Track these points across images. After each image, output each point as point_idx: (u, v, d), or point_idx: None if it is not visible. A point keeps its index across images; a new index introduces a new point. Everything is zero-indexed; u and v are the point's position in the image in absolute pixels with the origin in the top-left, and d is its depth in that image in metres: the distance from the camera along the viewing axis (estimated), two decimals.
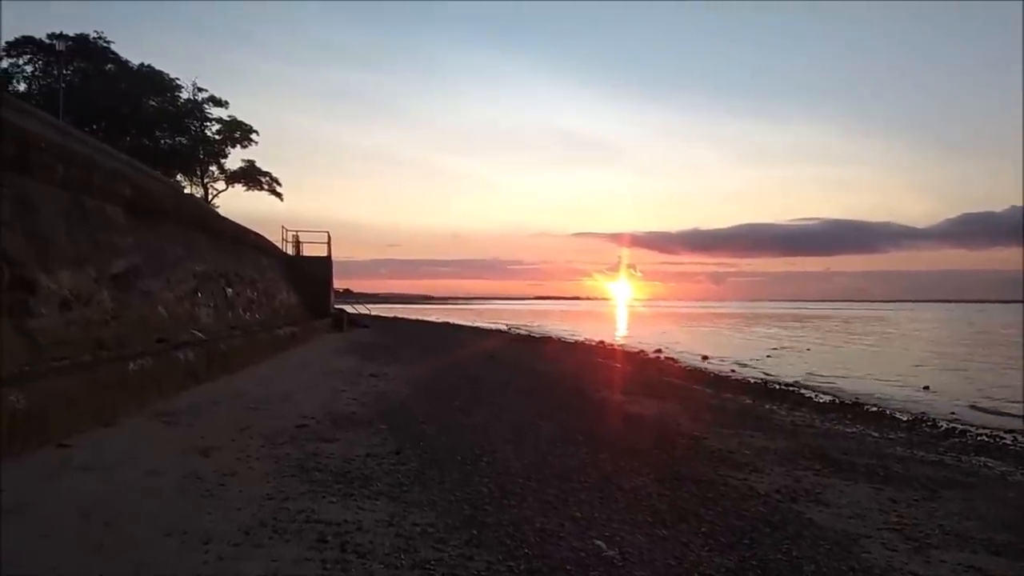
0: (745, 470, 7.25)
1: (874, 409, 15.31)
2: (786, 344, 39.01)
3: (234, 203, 72.51)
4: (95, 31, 43.77)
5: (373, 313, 50.38)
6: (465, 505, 5.25)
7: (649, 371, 21.50)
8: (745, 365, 25.42)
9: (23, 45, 41.94)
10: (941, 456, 9.59)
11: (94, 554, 3.84)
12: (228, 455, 6.30)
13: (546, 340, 37.85)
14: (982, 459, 9.70)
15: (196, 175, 50.33)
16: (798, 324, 72.88)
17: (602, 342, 36.97)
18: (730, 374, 22.15)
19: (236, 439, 6.99)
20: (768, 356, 29.78)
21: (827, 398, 17.23)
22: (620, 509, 5.42)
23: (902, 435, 11.76)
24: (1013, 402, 16.90)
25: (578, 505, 5.44)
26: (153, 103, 45.33)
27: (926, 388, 19.64)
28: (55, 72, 40.72)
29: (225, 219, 21.34)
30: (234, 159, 51.68)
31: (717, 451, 8.17)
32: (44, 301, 7.79)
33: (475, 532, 4.64)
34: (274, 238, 29.67)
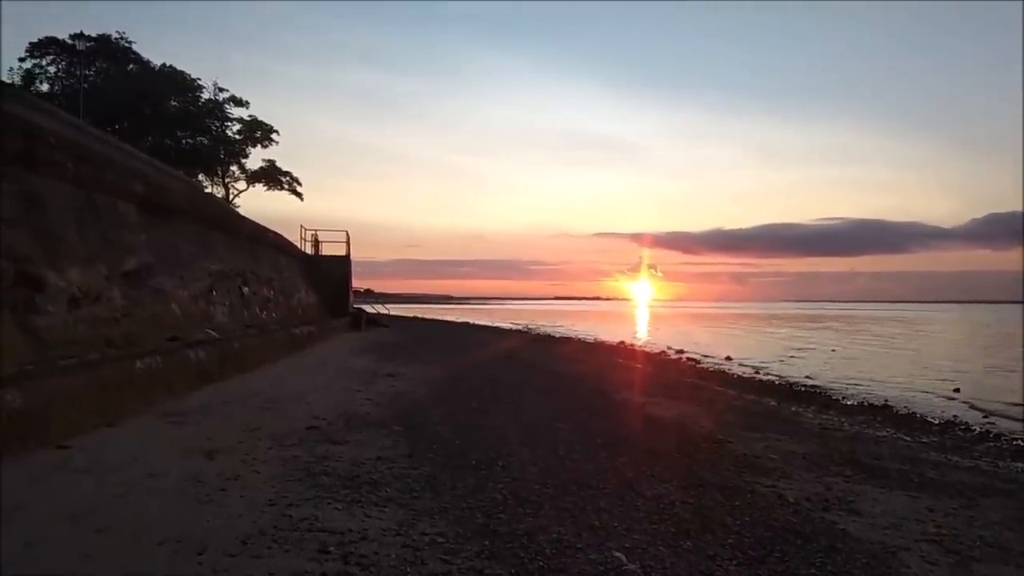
0: (772, 476, 6.92)
1: (904, 412, 14.85)
2: (810, 345, 38.36)
3: (255, 203, 73.00)
4: (117, 31, 44.05)
5: (393, 313, 50.30)
6: (478, 513, 4.98)
7: (670, 372, 21.12)
8: (769, 366, 24.92)
9: (46, 46, 42.28)
10: (976, 461, 9.20)
11: (80, 563, 3.62)
12: (233, 457, 6.08)
13: (566, 340, 37.51)
14: (1020, 465, 9.30)
15: (217, 175, 50.51)
16: (822, 325, 71.90)
17: (622, 343, 36.55)
18: (753, 375, 21.70)
19: (244, 440, 6.77)
20: (792, 357, 29.25)
21: (854, 400, 16.76)
22: (641, 518, 5.12)
23: (934, 439, 11.34)
24: None
25: (597, 513, 5.15)
26: (175, 103, 45.50)
27: (956, 391, 19.09)
28: (77, 72, 40.98)
29: (242, 218, 21.25)
30: (255, 159, 51.83)
31: (742, 456, 7.83)
32: (51, 298, 7.63)
33: (487, 543, 4.37)
34: (294, 238, 29.65)
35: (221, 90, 48.34)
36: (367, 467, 6.11)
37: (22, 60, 42.00)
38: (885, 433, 11.46)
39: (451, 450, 7.02)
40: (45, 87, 41.39)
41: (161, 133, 45.03)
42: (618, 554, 4.30)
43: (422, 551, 4.15)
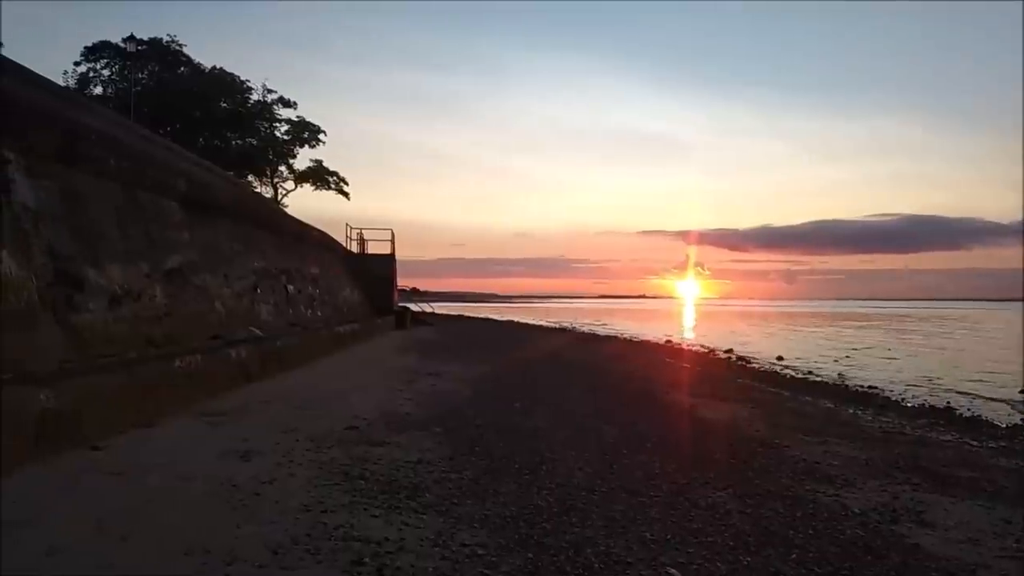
0: (835, 484, 6.50)
1: (968, 415, 14.16)
2: (865, 345, 37.26)
3: (303, 203, 73.82)
4: (168, 35, 44.92)
5: (438, 311, 50.33)
6: (521, 522, 4.70)
7: (720, 372, 20.59)
8: (823, 367, 24.16)
9: (101, 50, 43.34)
10: None
11: (102, 572, 3.44)
12: (269, 459, 5.90)
13: (611, 339, 37.05)
14: None
15: (266, 175, 51.20)
16: (876, 324, 70.03)
17: (669, 341, 35.96)
18: (807, 376, 21.02)
19: (281, 442, 6.60)
20: (847, 357, 28.37)
21: (914, 402, 16.07)
22: (696, 530, 4.78)
23: (1003, 443, 10.71)
24: None
25: (648, 524, 4.83)
26: (224, 104, 46.22)
27: (1022, 392, 18.21)
28: (132, 76, 41.88)
29: (288, 216, 21.34)
30: (302, 159, 52.41)
31: (801, 461, 7.41)
32: (91, 296, 7.57)
33: (531, 556, 4.09)
34: (340, 237, 29.76)
35: (269, 91, 49.05)
36: (406, 471, 5.88)
37: (77, 64, 43.17)
38: (950, 437, 10.87)
39: (493, 453, 6.76)
40: (99, 90, 42.34)
41: (212, 135, 45.81)
42: (673, 570, 3.99)
43: (461, 564, 3.89)
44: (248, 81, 47.57)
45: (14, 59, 8.10)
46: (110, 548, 3.75)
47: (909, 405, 15.42)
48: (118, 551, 3.73)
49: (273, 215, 18.48)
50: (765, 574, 4.04)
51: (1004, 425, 12.88)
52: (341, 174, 53.15)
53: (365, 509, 4.76)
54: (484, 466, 6.23)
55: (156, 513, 4.38)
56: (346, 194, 53.39)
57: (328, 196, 53.63)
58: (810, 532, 4.91)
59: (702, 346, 33.43)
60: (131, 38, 40.01)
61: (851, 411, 13.39)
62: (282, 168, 52.06)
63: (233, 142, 47.16)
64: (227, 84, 46.45)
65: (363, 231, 32.92)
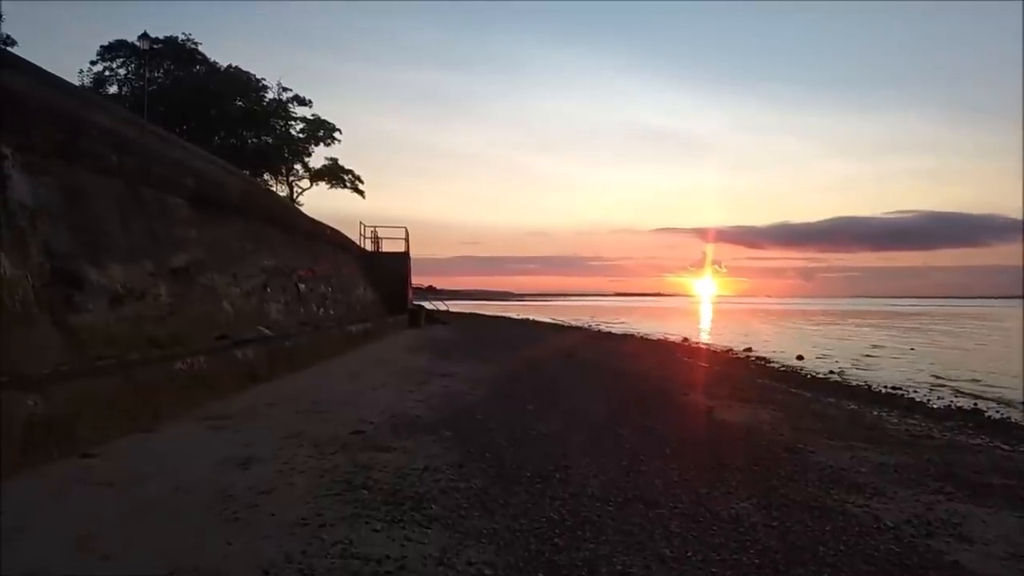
0: (865, 493, 6.16)
1: (996, 416, 13.72)
2: (886, 343, 36.65)
3: (318, 201, 74.07)
4: (183, 33, 44.96)
5: (452, 309, 50.11)
6: (531, 538, 4.41)
7: (739, 372, 20.18)
8: (844, 366, 23.69)
9: (117, 49, 43.43)
10: None
11: None
12: (269, 467, 5.64)
13: (627, 338, 36.65)
14: None
15: (282, 174, 51.17)
16: (896, 322, 69.13)
17: (686, 340, 35.53)
18: (828, 376, 20.57)
19: (283, 447, 6.34)
20: (867, 356, 27.85)
21: (940, 403, 15.63)
22: (718, 545, 4.48)
23: None
24: None
25: (667, 539, 4.53)
26: (240, 103, 46.20)
27: None
28: (146, 74, 41.95)
29: (300, 214, 21.15)
30: (318, 158, 52.35)
31: (828, 468, 7.07)
32: (92, 296, 7.35)
33: None
34: (354, 235, 29.56)
35: (285, 90, 49.00)
36: (412, 479, 5.60)
37: (93, 63, 43.28)
38: (980, 441, 10.46)
39: (504, 459, 6.47)
40: (114, 89, 42.44)
41: (228, 133, 45.81)
42: None
43: None
44: (263, 80, 47.56)
45: (31, 60, 7.85)
46: (89, 568, 3.50)
47: (935, 406, 14.99)
48: (98, 571, 3.48)
49: (285, 213, 18.28)
50: None
51: None
52: (356, 172, 53.05)
53: (366, 522, 4.48)
54: (494, 474, 5.94)
55: (144, 528, 4.13)
56: (361, 192, 53.32)
57: (343, 194, 53.58)
58: (841, 548, 4.60)
59: (720, 345, 32.98)
60: (144, 36, 40.00)
61: (876, 413, 12.98)
62: (297, 166, 52.04)
63: (249, 140, 47.13)
64: (242, 83, 46.42)
65: (377, 229, 32.75)
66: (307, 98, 49.53)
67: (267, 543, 4.01)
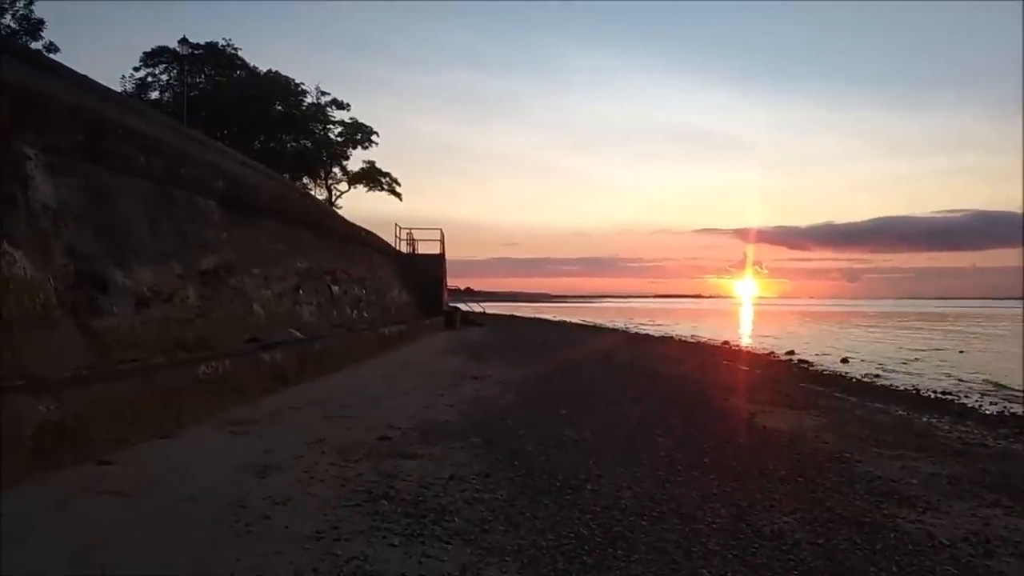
0: (917, 507, 5.76)
1: None
2: (934, 346, 35.53)
3: (356, 204, 74.47)
4: (223, 38, 45.58)
5: (490, 311, 49.97)
6: (559, 555, 4.13)
7: (781, 376, 19.61)
8: (890, 370, 22.94)
9: (159, 55, 44.18)
10: None
11: None
12: (288, 475, 5.45)
13: (665, 340, 36.07)
14: None
15: (320, 177, 51.59)
16: (944, 324, 67.22)
17: (726, 343, 34.82)
18: (874, 380, 19.90)
19: (305, 454, 6.15)
20: (915, 360, 26.95)
21: (992, 409, 14.95)
22: (760, 566, 4.15)
23: None
24: None
25: (705, 558, 4.22)
26: (279, 107, 46.68)
27: None
28: (186, 79, 42.60)
29: (334, 215, 21.15)
30: (355, 161, 52.67)
31: (876, 479, 6.66)
32: (116, 298, 7.27)
33: None
34: (390, 237, 29.55)
35: (323, 94, 49.39)
36: (436, 489, 5.36)
37: (136, 69, 44.07)
38: None
39: (533, 468, 6.20)
40: (155, 95, 43.14)
41: (268, 137, 46.32)
42: None
43: None
44: (303, 84, 48.01)
45: (75, 66, 7.81)
46: None
47: (987, 412, 14.34)
48: None
49: (319, 215, 18.25)
50: None
51: None
52: (394, 175, 53.26)
53: (384, 537, 4.25)
54: (521, 484, 5.68)
55: (149, 540, 3.95)
56: (398, 195, 53.52)
57: (381, 197, 53.84)
58: (893, 570, 4.25)
59: (761, 348, 32.27)
60: (184, 41, 40.59)
61: (925, 419, 12.42)
62: (335, 170, 52.42)
63: (288, 144, 47.61)
64: (282, 87, 46.93)
65: (412, 231, 32.72)
66: (345, 102, 49.92)
67: (278, 559, 3.80)
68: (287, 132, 47.48)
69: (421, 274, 30.07)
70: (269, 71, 47.18)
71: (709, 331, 47.01)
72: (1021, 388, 18.84)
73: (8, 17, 33.66)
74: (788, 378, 18.97)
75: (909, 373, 22.28)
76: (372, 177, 52.96)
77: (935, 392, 17.52)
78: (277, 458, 5.92)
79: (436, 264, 32.07)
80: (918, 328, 58.10)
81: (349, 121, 50.58)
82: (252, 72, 46.32)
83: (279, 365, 9.28)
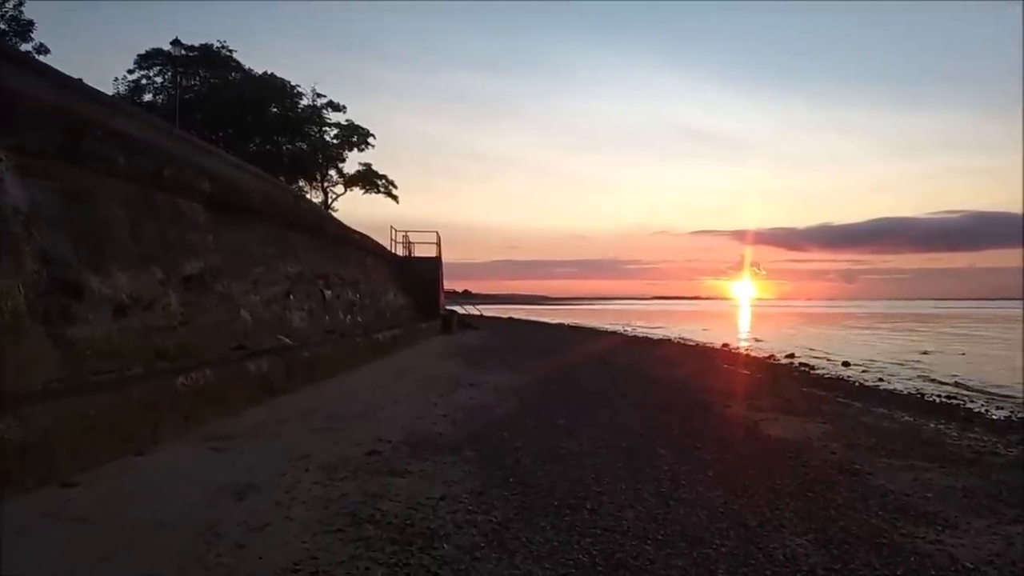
0: (935, 526, 5.44)
1: None
2: (934, 348, 35.22)
3: (352, 207, 74.24)
4: (218, 40, 45.26)
5: (488, 314, 49.73)
6: None
7: (782, 380, 19.27)
8: (893, 373, 22.62)
9: (153, 57, 43.79)
10: None
11: None
12: (268, 497, 5.11)
13: (664, 343, 35.73)
14: None
15: (316, 180, 51.22)
16: (943, 325, 66.92)
17: (726, 345, 34.50)
18: (877, 384, 19.57)
19: (288, 472, 5.81)
20: (917, 362, 26.64)
21: (1000, 414, 14.62)
22: None
23: None
24: None
25: None
26: (275, 109, 46.32)
27: None
28: (179, 80, 42.25)
29: (328, 218, 20.81)
30: (351, 163, 52.33)
31: (889, 493, 6.34)
32: (92, 306, 6.92)
33: None
34: (386, 240, 29.19)
35: (319, 95, 49.03)
36: (425, 511, 5.02)
37: (130, 71, 43.67)
38: None
39: (529, 485, 5.87)
40: (149, 97, 42.78)
41: (263, 139, 45.95)
42: None
43: None
44: (298, 86, 47.66)
45: (66, 68, 7.46)
46: None
47: (995, 418, 14.01)
48: None
49: (311, 217, 17.89)
50: None
51: None
52: (390, 177, 52.92)
53: (367, 568, 3.92)
54: (517, 503, 5.35)
55: (110, 575, 3.61)
56: (395, 197, 53.14)
57: (378, 200, 53.46)
58: None
59: (761, 350, 31.94)
60: (176, 42, 40.16)
61: (933, 426, 12.09)
62: (332, 172, 52.04)
63: (284, 147, 47.24)
64: (277, 89, 46.58)
65: (408, 233, 32.38)
66: (341, 104, 49.59)
67: None
68: (283, 134, 47.09)
69: (417, 277, 29.72)
70: (264, 73, 46.87)
71: (708, 333, 46.70)
72: None
73: None
74: (789, 382, 18.64)
75: (911, 377, 21.95)
76: (368, 179, 52.61)
77: (939, 396, 17.21)
78: (258, 477, 5.58)
79: (432, 267, 31.73)
80: (917, 330, 57.83)
81: (345, 123, 50.30)
82: (247, 74, 45.95)
83: (265, 374, 8.94)
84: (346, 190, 52.74)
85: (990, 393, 18.31)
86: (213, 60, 44.78)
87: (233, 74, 45.77)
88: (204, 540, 4.15)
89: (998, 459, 9.00)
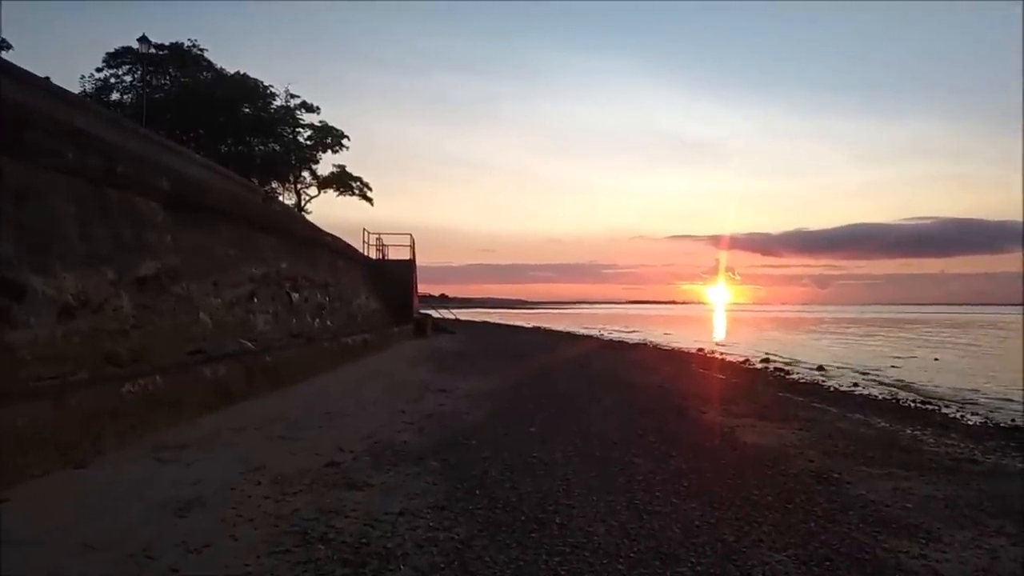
0: (917, 538, 5.21)
1: None
2: (907, 353, 35.44)
3: (327, 209, 73.59)
4: (188, 39, 44.53)
5: (464, 318, 49.36)
6: None
7: (758, 385, 19.13)
8: (867, 377, 22.61)
9: (123, 56, 42.92)
10: None
11: None
12: (213, 513, 4.74)
13: (640, 347, 35.61)
14: None
15: (289, 181, 50.57)
16: (915, 330, 67.61)
17: (701, 350, 34.44)
18: (852, 389, 19.50)
19: (238, 485, 5.44)
20: (891, 367, 26.68)
21: (975, 419, 14.56)
22: None
23: None
24: None
25: None
26: (247, 110, 45.62)
27: None
28: (148, 79, 41.48)
29: (296, 218, 20.38)
30: (325, 165, 51.75)
31: (870, 504, 6.12)
32: (35, 308, 6.50)
33: None
34: (358, 242, 28.74)
35: (292, 96, 48.43)
36: (383, 528, 4.69)
37: (99, 70, 42.78)
38: None
39: (497, 498, 5.56)
40: (116, 96, 41.93)
41: (236, 140, 45.23)
42: None
43: None
44: (271, 86, 47.01)
45: (32, 65, 7.01)
46: None
47: (971, 423, 13.94)
48: None
49: (279, 218, 17.45)
50: None
51: None
52: (365, 179, 52.42)
53: None
54: (482, 518, 5.03)
55: None
56: (370, 200, 52.66)
57: (352, 202, 52.94)
58: None
59: (736, 355, 31.89)
60: (144, 39, 39.28)
61: (909, 432, 11.95)
62: (305, 174, 51.42)
63: (257, 147, 46.55)
64: (249, 89, 45.88)
65: (382, 236, 31.94)
66: (315, 104, 49.03)
67: None
68: (256, 135, 46.40)
69: (390, 280, 29.29)
70: (237, 73, 46.14)
71: (683, 337, 46.68)
72: (1000, 396, 18.58)
73: None
74: (765, 387, 18.49)
75: (885, 381, 21.94)
76: (343, 181, 52.08)
77: (914, 402, 17.14)
78: (204, 491, 5.20)
79: (406, 270, 31.31)
80: (890, 335, 58.35)
81: (319, 124, 49.72)
82: (219, 74, 45.23)
83: (222, 379, 8.54)
84: (320, 192, 52.21)
85: (964, 398, 18.32)
86: (184, 59, 44.02)
87: (204, 74, 45.02)
88: (135, 563, 3.79)
89: (977, 466, 8.84)
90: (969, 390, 19.84)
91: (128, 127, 10.68)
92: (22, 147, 6.96)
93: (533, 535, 4.72)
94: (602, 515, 5.26)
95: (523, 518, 5.08)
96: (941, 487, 7.16)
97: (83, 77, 42.04)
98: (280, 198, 45.37)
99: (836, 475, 7.24)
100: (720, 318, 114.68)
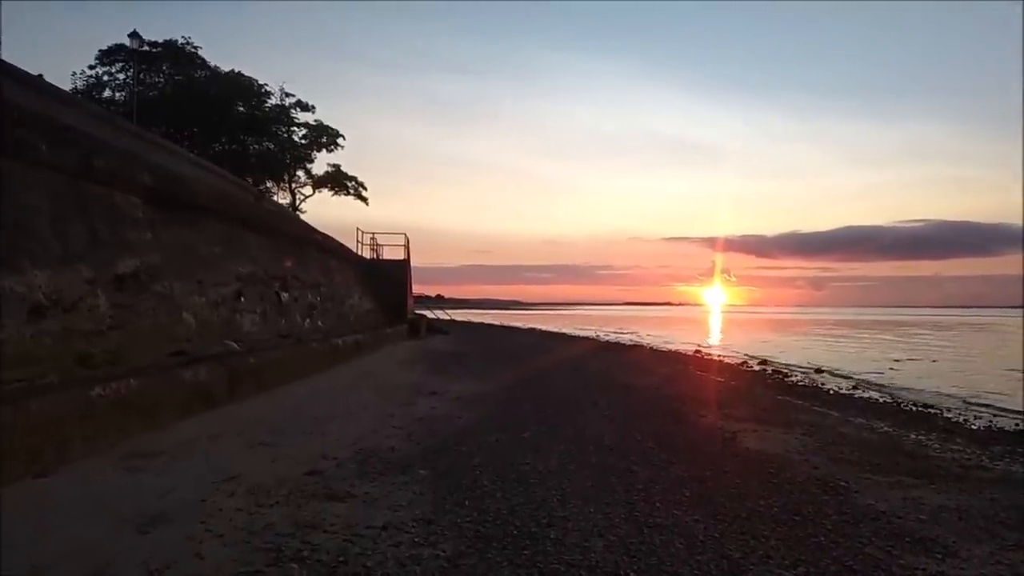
0: (934, 554, 4.90)
1: None
2: (905, 355, 35.17)
3: (322, 209, 73.21)
4: (182, 36, 44.10)
5: (460, 319, 49.01)
6: None
7: (757, 388, 18.81)
8: (867, 380, 22.30)
9: (116, 53, 42.46)
10: None
11: None
12: (180, 528, 4.40)
13: (636, 348, 35.29)
14: None
15: (284, 180, 50.17)
16: (911, 332, 67.41)
17: (698, 351, 34.13)
18: (852, 392, 19.19)
19: (210, 496, 5.09)
20: (890, 369, 26.42)
21: (979, 423, 14.26)
22: None
23: None
24: None
25: None
26: (242, 109, 45.21)
27: None
28: (141, 76, 41.05)
29: (288, 217, 20.02)
30: (320, 164, 51.36)
31: (880, 516, 5.81)
32: (4, 308, 6.15)
33: None
34: (352, 241, 28.39)
35: (287, 95, 48.00)
36: (364, 543, 4.35)
37: (92, 67, 42.29)
38: None
39: (487, 510, 5.23)
40: (108, 94, 41.49)
41: (230, 139, 44.82)
42: None
43: None
44: (266, 85, 46.59)
45: (24, 63, 6.67)
46: None
47: (975, 427, 13.63)
48: None
49: (269, 216, 17.09)
50: None
51: None
52: (360, 179, 52.02)
53: None
54: (471, 533, 4.70)
55: None
56: (364, 199, 52.23)
57: (347, 202, 52.52)
58: None
59: (733, 356, 31.59)
60: (135, 35, 38.79)
61: (913, 436, 11.64)
62: (300, 173, 51.01)
63: (251, 146, 46.13)
64: (244, 88, 45.44)
65: (376, 235, 31.57)
66: (310, 103, 48.60)
67: None
68: (250, 134, 45.97)
69: (384, 280, 28.93)
70: (231, 71, 45.72)
71: (680, 339, 46.38)
72: (1001, 399, 18.30)
73: None
74: (764, 390, 18.17)
75: (885, 384, 21.64)
76: (338, 181, 51.67)
77: (915, 405, 16.84)
78: (173, 503, 4.86)
79: (400, 270, 30.94)
80: (887, 337, 58.11)
81: (314, 123, 49.31)
82: (214, 72, 44.81)
83: (203, 382, 8.19)
84: (315, 191, 51.78)
85: (966, 401, 18.02)
86: (178, 57, 43.58)
87: (199, 72, 44.58)
88: None
89: (986, 473, 8.54)
90: (969, 393, 19.56)
91: (113, 122, 10.36)
92: None
93: (526, 552, 4.39)
94: (600, 529, 4.94)
95: (515, 532, 4.76)
96: (952, 496, 6.85)
97: (75, 74, 41.60)
98: (275, 197, 45.00)
99: (843, 483, 6.93)
100: (716, 320, 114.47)
